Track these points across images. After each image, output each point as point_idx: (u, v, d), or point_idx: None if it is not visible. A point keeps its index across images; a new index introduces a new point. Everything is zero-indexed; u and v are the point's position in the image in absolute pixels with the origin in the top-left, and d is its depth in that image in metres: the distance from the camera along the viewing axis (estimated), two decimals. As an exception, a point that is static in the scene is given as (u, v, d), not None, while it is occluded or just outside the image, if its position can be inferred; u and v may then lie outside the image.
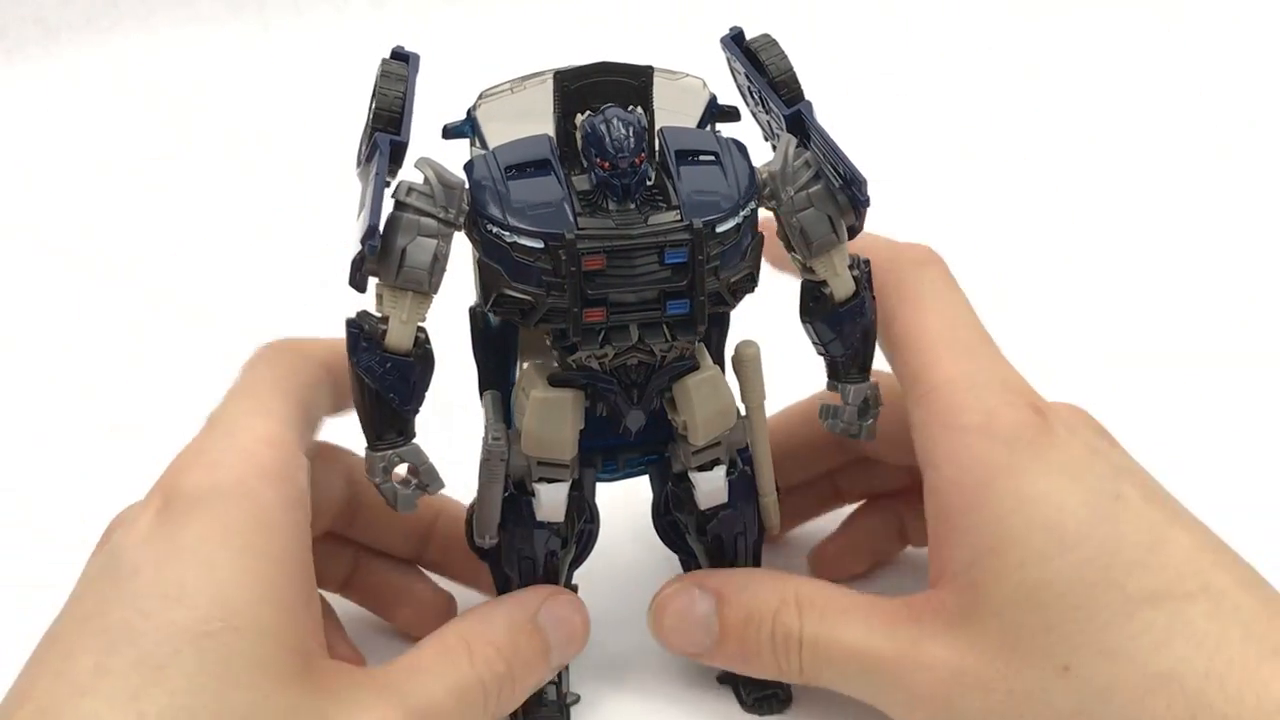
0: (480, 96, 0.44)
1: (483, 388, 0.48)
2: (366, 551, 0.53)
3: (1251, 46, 1.07)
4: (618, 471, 0.49)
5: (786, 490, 0.52)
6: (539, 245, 0.41)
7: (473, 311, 0.47)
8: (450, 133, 0.45)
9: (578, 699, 0.50)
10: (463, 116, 0.45)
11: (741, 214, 0.42)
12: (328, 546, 0.51)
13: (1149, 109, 1.01)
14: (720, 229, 0.42)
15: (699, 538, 0.50)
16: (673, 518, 0.50)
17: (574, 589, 0.51)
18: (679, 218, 0.41)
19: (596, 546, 0.51)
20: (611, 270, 0.41)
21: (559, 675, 0.49)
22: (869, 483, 0.56)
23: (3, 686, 0.40)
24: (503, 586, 0.49)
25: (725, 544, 0.50)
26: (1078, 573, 0.41)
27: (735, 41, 0.46)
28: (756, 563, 0.52)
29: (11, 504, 0.65)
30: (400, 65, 0.42)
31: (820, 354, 0.47)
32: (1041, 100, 1.03)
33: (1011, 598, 0.42)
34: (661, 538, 0.51)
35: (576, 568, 0.50)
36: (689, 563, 0.52)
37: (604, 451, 0.48)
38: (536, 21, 1.11)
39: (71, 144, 1.01)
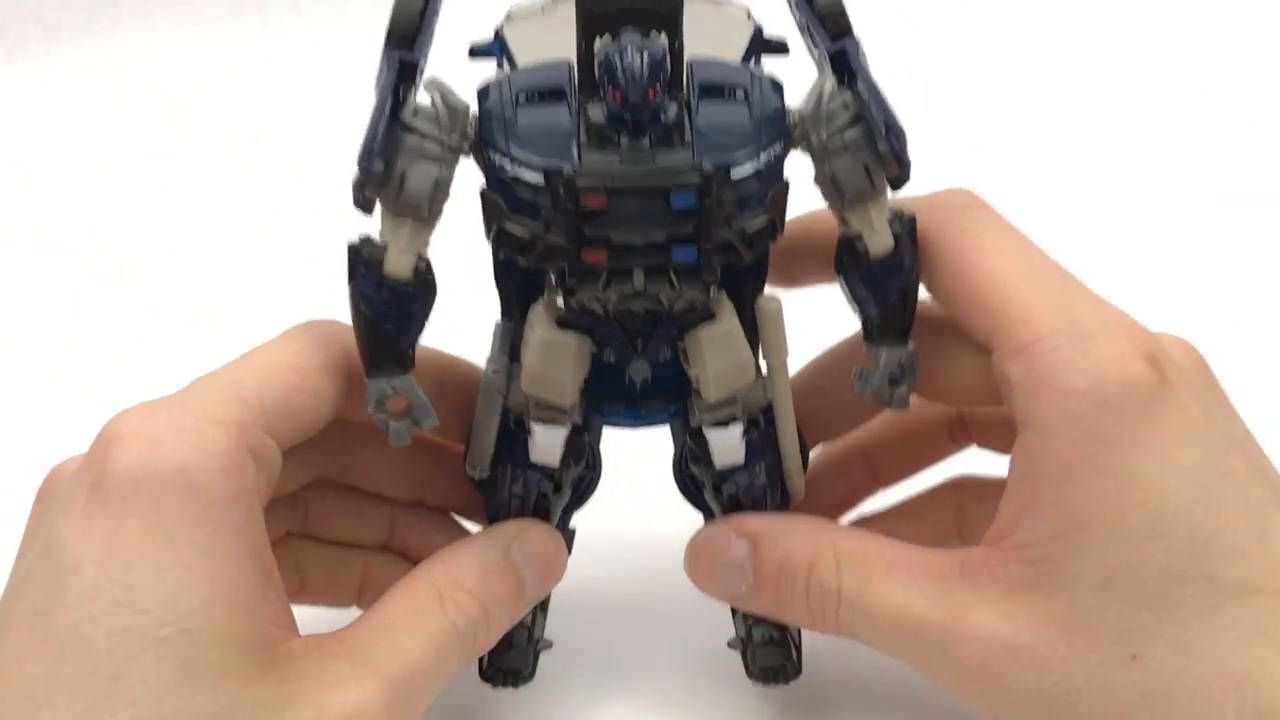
0: (508, 16, 0.43)
1: (507, 315, 0.46)
2: (404, 510, 0.51)
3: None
4: (640, 418, 0.47)
5: (815, 474, 0.50)
6: (539, 179, 0.39)
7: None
8: (478, 52, 0.43)
9: (550, 645, 0.49)
10: (489, 36, 0.43)
11: (762, 158, 0.40)
12: (362, 508, 0.50)
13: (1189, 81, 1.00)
14: (736, 174, 0.40)
15: (715, 496, 0.48)
16: (691, 472, 0.48)
17: (571, 534, 0.49)
18: (690, 157, 0.39)
19: (604, 504, 0.50)
20: (615, 210, 0.39)
21: (531, 619, 0.48)
22: (910, 461, 0.53)
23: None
24: (493, 521, 0.48)
25: (743, 505, 0.48)
26: (1166, 560, 0.39)
27: None
28: None
29: (12, 505, 0.64)
30: None
31: (855, 313, 0.45)
32: (1084, 65, 1.02)
33: (1089, 579, 0.39)
34: (682, 492, 0.50)
35: (574, 511, 0.49)
36: (710, 519, 0.49)
37: (625, 397, 0.47)
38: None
39: (71, 144, 1.00)
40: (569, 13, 0.40)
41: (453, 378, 0.47)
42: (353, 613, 0.51)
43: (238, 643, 0.38)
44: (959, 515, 0.51)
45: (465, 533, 0.52)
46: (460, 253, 0.45)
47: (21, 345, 0.79)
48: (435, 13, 0.40)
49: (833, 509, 0.52)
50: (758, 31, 0.43)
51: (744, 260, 0.42)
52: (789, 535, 0.45)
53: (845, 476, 0.53)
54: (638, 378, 0.44)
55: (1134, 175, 0.87)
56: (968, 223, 0.44)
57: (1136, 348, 0.41)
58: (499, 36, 0.43)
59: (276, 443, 0.42)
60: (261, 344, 0.44)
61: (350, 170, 0.40)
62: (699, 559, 0.47)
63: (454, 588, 0.43)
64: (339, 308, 0.44)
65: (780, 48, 0.44)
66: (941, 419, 0.52)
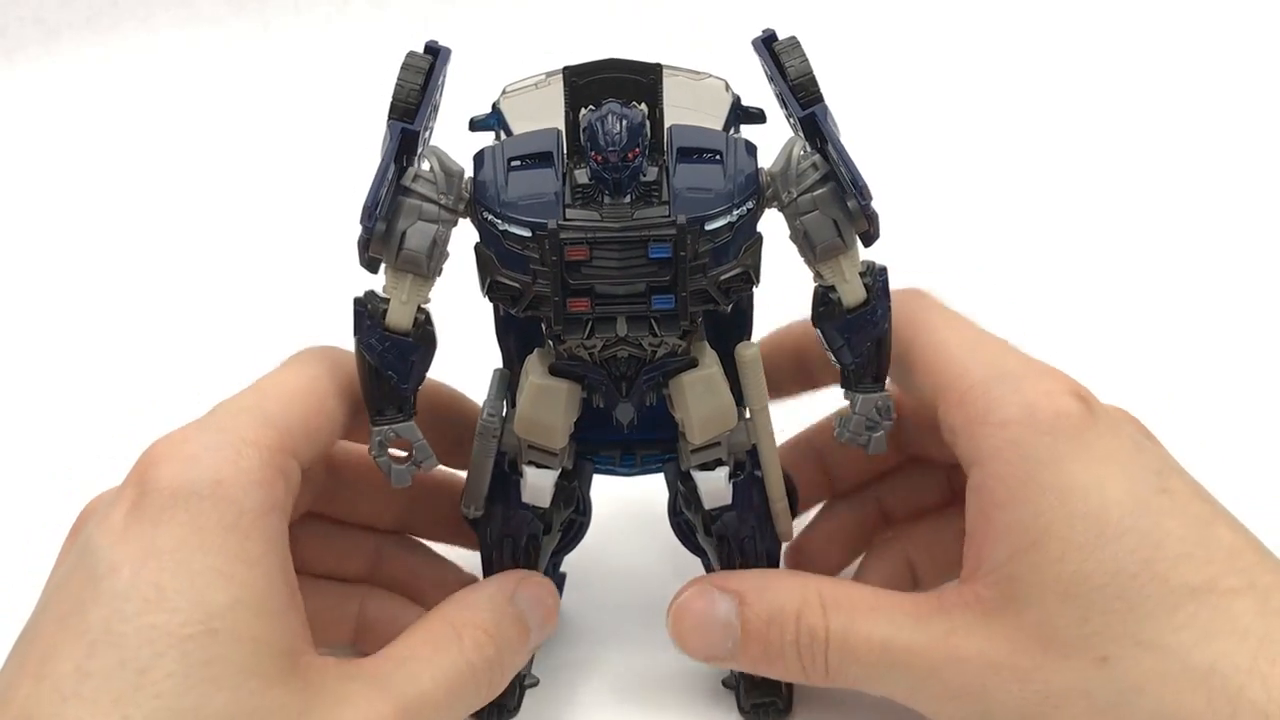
0: (504, 91, 0.46)
1: (507, 365, 0.49)
2: (391, 540, 0.53)
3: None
4: (635, 467, 0.50)
5: (825, 514, 0.53)
6: (527, 234, 0.42)
7: None
8: (477, 125, 0.46)
9: (536, 682, 0.51)
10: (488, 109, 0.46)
11: (735, 212, 0.43)
12: (349, 538, 0.52)
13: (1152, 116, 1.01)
14: (710, 226, 0.42)
15: (707, 537, 0.50)
16: (685, 516, 0.51)
17: (562, 577, 0.52)
18: (667, 213, 0.42)
19: (599, 548, 0.52)
20: (596, 261, 0.42)
21: None
22: (918, 498, 0.55)
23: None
24: (486, 558, 0.51)
25: (732, 546, 0.50)
26: (1118, 564, 0.41)
27: (765, 44, 0.45)
28: (774, 566, 0.52)
29: (11, 510, 0.65)
30: (423, 59, 0.43)
31: (832, 361, 0.47)
32: (1044, 111, 1.03)
33: (1051, 590, 0.41)
34: (677, 535, 0.52)
35: (563, 555, 0.52)
36: (706, 562, 0.52)
37: (621, 446, 0.49)
38: (536, 22, 1.11)
39: (71, 144, 1.01)
40: (559, 87, 0.43)
41: (451, 407, 0.50)
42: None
43: (262, 645, 0.40)
44: (908, 562, 0.53)
45: (446, 562, 0.54)
46: (464, 306, 0.47)
47: (21, 346, 0.79)
48: (436, 88, 0.43)
49: (844, 548, 0.55)
50: (736, 101, 0.46)
51: (722, 308, 0.44)
52: (774, 587, 0.47)
53: (854, 515, 0.55)
54: (624, 420, 0.47)
55: (1090, 238, 0.87)
56: (917, 307, 0.48)
57: (1064, 386, 0.44)
58: (495, 110, 0.45)
59: (298, 463, 0.44)
60: (279, 368, 0.46)
61: (349, 171, 0.41)
62: (682, 619, 0.47)
63: (472, 628, 0.45)
64: (336, 304, 0.46)
65: (758, 116, 0.46)
66: (942, 465, 0.54)
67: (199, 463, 0.41)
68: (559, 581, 0.53)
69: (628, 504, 0.53)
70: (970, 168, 0.96)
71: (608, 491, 0.51)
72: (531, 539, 0.49)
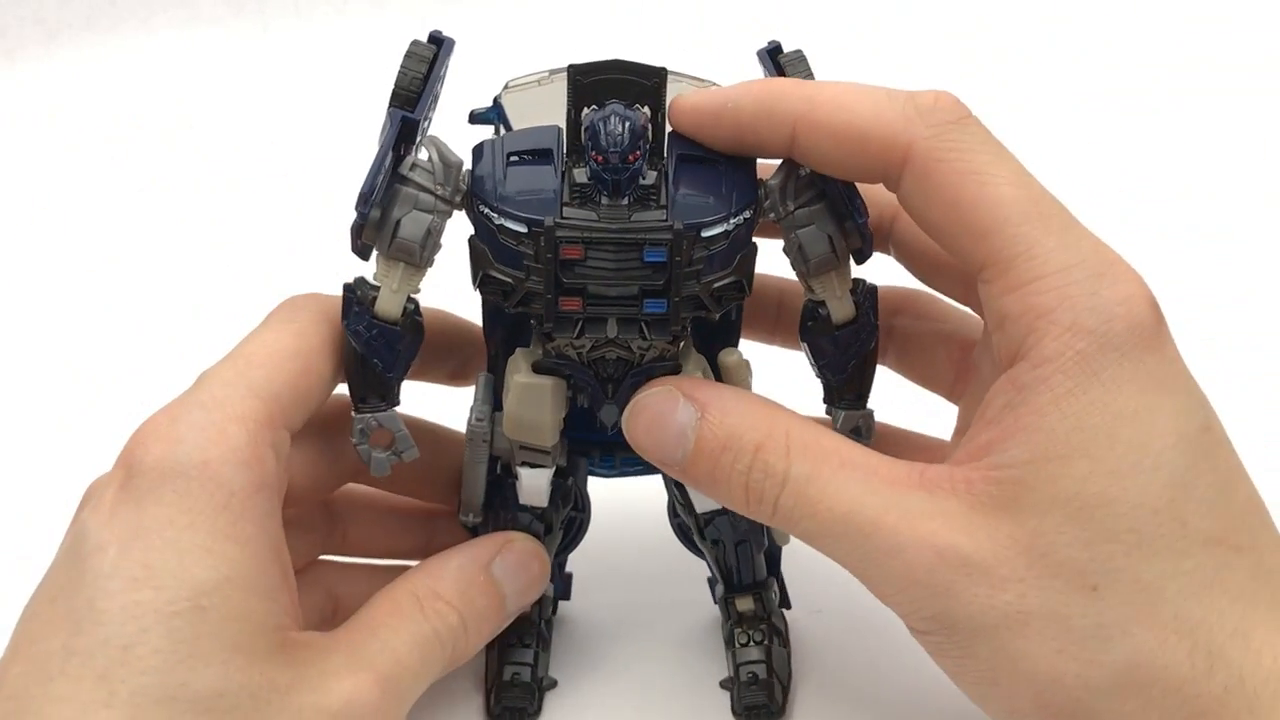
0: (506, 86, 0.45)
1: (492, 368, 0.49)
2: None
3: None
4: (614, 469, 0.50)
5: None
6: (522, 230, 0.42)
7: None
8: (477, 119, 0.46)
9: (554, 684, 0.51)
10: (489, 104, 0.46)
11: (731, 221, 0.42)
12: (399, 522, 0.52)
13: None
14: (706, 233, 0.42)
15: (702, 540, 0.50)
16: (681, 519, 0.51)
17: (568, 577, 0.52)
18: (664, 217, 0.42)
19: (600, 548, 0.52)
20: (591, 262, 0.42)
21: (535, 659, 0.50)
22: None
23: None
24: None
25: (726, 549, 0.50)
26: (1145, 497, 0.39)
27: (770, 56, 0.45)
28: (774, 572, 0.52)
29: (10, 514, 0.65)
30: (427, 48, 0.43)
31: (816, 375, 0.47)
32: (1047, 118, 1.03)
33: (1063, 507, 0.39)
34: (677, 536, 0.52)
35: (567, 554, 0.52)
36: (708, 565, 0.52)
37: (600, 447, 0.49)
38: (535, 23, 1.11)
39: (72, 144, 1.01)
40: (562, 84, 0.43)
41: (429, 440, 0.49)
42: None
43: (251, 623, 0.40)
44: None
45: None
46: (457, 304, 0.48)
47: (21, 345, 0.79)
48: (439, 79, 0.43)
49: None
50: None
51: (712, 316, 0.44)
52: (741, 411, 0.43)
53: None
54: (608, 421, 0.46)
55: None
56: (962, 143, 0.42)
57: (1142, 291, 0.40)
58: (497, 104, 0.45)
59: (288, 430, 0.43)
60: (260, 328, 0.45)
61: (348, 171, 0.41)
62: (639, 416, 0.44)
63: (433, 598, 0.45)
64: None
65: None
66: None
67: (185, 443, 0.41)
68: (566, 582, 0.53)
69: (632, 506, 0.52)
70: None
71: (611, 493, 0.51)
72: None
